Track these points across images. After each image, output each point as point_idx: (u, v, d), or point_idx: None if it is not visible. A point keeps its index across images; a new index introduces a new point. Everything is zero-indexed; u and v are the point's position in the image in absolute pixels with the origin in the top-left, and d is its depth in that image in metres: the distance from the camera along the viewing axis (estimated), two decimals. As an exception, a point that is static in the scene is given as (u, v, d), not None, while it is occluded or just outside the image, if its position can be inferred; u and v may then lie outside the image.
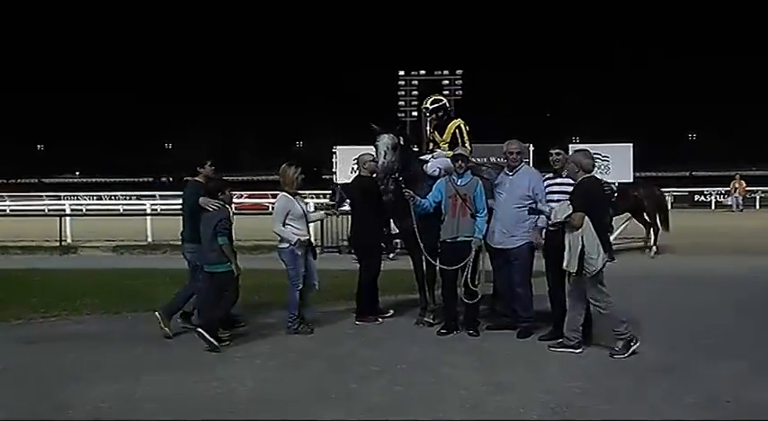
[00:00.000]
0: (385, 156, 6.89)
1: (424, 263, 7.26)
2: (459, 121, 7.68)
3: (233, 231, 6.66)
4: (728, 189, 31.93)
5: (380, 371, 5.67)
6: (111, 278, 10.56)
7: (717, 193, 35.16)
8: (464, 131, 7.59)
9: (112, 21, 63.08)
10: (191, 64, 62.25)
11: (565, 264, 5.93)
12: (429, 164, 7.35)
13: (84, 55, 62.58)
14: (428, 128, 7.95)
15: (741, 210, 29.46)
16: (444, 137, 7.64)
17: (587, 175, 6.18)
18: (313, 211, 8.07)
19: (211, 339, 6.29)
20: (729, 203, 31.67)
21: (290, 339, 6.81)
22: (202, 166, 7.11)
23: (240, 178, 47.20)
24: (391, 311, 7.73)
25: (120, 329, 7.37)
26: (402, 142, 7.07)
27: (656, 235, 13.49)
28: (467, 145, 7.51)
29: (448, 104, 7.94)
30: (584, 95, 55.56)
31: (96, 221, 19.69)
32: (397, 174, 6.97)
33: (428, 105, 7.73)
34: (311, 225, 7.38)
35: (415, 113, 36.90)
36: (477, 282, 6.80)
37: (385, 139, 6.94)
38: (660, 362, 5.81)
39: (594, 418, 4.61)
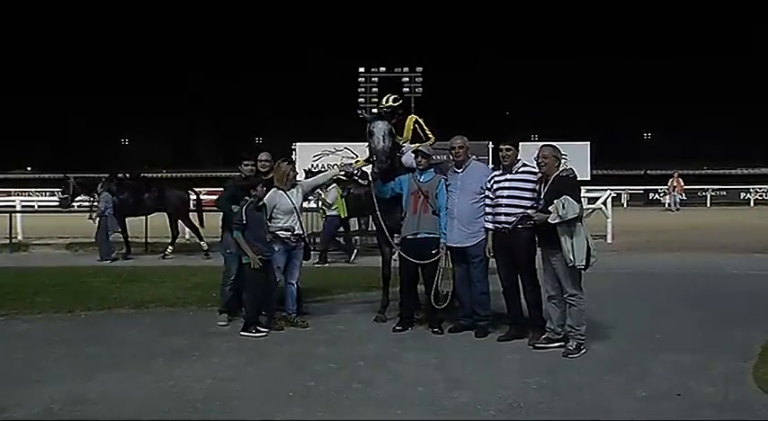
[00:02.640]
0: (384, 139, 6.95)
1: (391, 259, 7.33)
2: (414, 117, 7.70)
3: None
4: (666, 187, 30.72)
5: (338, 369, 5.66)
6: (63, 276, 10.33)
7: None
8: (422, 124, 7.62)
9: (66, 15, 61.45)
10: (148, 57, 61.06)
11: (572, 260, 5.83)
12: (404, 156, 7.35)
13: (38, 49, 60.89)
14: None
15: (677, 210, 28.43)
16: (405, 135, 7.62)
17: (566, 169, 6.21)
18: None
19: (244, 333, 6.72)
20: (668, 202, 30.42)
21: (245, 337, 6.76)
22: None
23: (199, 174, 46.64)
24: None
25: (73, 329, 7.21)
26: (394, 131, 7.16)
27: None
28: (430, 136, 7.55)
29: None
30: (542, 94, 56.27)
31: (49, 218, 19.17)
32: (389, 161, 6.98)
33: (391, 103, 7.52)
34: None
35: (374, 110, 36.90)
36: (440, 284, 6.84)
37: (380, 125, 7.02)
38: (613, 358, 5.92)
39: (550, 413, 4.69)
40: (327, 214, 12.26)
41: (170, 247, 13.39)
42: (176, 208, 13.56)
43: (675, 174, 29.78)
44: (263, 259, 6.81)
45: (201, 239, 13.40)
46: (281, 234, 7.04)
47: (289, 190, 7.15)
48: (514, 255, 6.42)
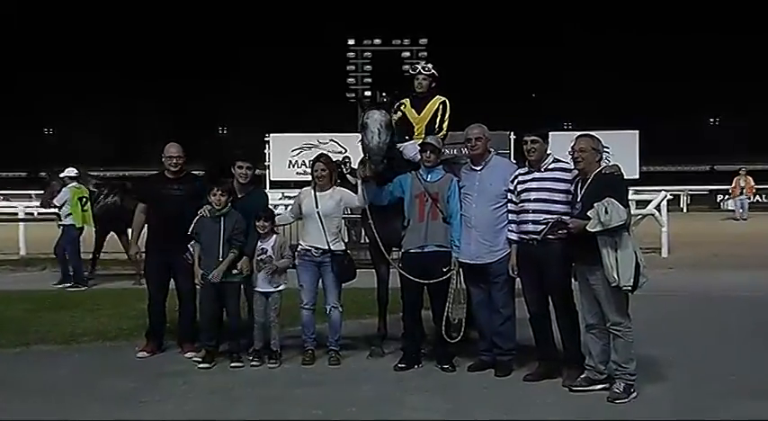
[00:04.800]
0: (380, 134, 7.01)
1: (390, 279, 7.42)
2: (441, 99, 7.75)
3: None
4: (731, 187, 28.94)
5: (325, 417, 5.68)
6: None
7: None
8: (447, 111, 7.69)
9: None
10: (78, 27, 60.73)
11: (616, 280, 5.83)
12: (406, 148, 7.44)
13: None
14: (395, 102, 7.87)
15: (745, 219, 26.94)
16: (423, 114, 7.70)
17: (610, 165, 6.26)
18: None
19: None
20: (731, 208, 28.99)
21: (210, 376, 6.79)
22: None
23: (147, 174, 46.52)
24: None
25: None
26: (393, 123, 7.25)
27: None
28: (444, 128, 7.62)
29: None
30: (576, 71, 56.11)
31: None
32: (386, 161, 7.04)
33: (429, 66, 7.81)
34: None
35: (368, 93, 36.93)
36: (452, 310, 6.88)
37: (377, 116, 7.09)
38: (672, 404, 5.92)
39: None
40: (60, 223, 12.39)
41: None
42: None
43: (742, 172, 28.68)
44: (208, 277, 7.11)
45: None
46: (301, 244, 7.30)
47: (322, 191, 7.33)
48: (545, 273, 6.45)
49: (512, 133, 15.85)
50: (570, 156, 6.30)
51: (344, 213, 10.72)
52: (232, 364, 7.10)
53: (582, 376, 6.26)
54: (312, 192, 7.35)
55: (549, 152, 6.60)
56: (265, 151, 18.84)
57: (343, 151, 17.37)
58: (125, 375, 6.85)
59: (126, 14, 59.82)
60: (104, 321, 9.03)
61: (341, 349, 7.37)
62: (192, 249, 7.34)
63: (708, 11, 56.10)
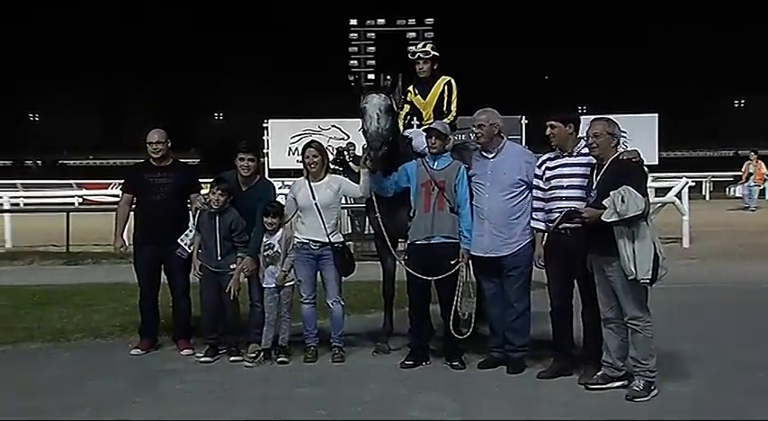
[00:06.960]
0: (379, 119, 7.00)
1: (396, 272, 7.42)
2: (446, 78, 7.74)
3: None
4: (740, 174, 27.13)
5: (329, 417, 5.68)
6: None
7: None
8: (453, 91, 7.69)
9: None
10: (64, 8, 60.74)
11: (633, 272, 5.80)
12: (415, 139, 7.43)
13: None
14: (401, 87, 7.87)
15: (754, 209, 25.17)
16: (428, 99, 7.71)
17: (627, 150, 6.21)
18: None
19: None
20: (739, 195, 27.34)
21: (207, 375, 6.80)
22: None
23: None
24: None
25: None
26: (394, 107, 7.25)
27: None
28: (452, 110, 7.62)
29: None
30: (592, 52, 55.92)
31: None
32: (385, 147, 7.03)
33: (427, 49, 7.78)
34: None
35: (371, 76, 36.88)
36: (461, 305, 6.88)
37: (375, 100, 7.09)
38: (697, 403, 5.90)
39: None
40: None
41: None
42: None
43: (753, 156, 26.74)
44: (209, 271, 7.26)
45: None
46: (296, 237, 7.26)
47: (316, 181, 7.31)
48: (575, 264, 6.35)
49: (523, 117, 15.79)
50: (584, 141, 6.28)
51: (348, 203, 10.84)
52: (231, 358, 7.17)
53: (599, 373, 6.25)
54: (307, 182, 7.33)
55: (579, 137, 6.52)
56: (264, 138, 18.80)
57: (346, 137, 17.36)
58: (118, 374, 6.86)
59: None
60: (96, 317, 9.03)
61: (344, 346, 7.38)
62: (182, 243, 7.38)
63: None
